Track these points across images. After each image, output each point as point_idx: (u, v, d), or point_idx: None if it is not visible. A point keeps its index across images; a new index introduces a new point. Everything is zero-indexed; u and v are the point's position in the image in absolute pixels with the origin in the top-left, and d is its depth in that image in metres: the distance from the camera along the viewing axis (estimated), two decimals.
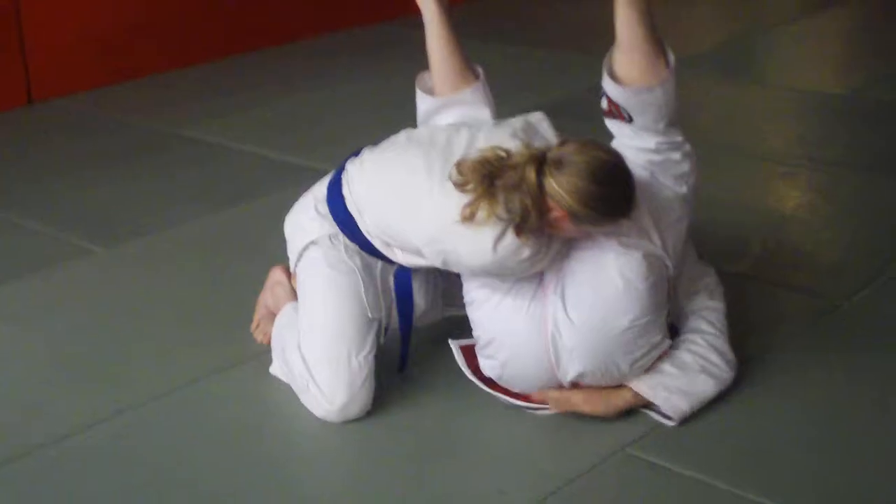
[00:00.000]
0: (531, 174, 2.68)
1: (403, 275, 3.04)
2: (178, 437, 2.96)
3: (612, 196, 2.72)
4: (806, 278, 3.73)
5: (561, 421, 2.95)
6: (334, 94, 5.84)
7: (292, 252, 3.11)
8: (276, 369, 3.15)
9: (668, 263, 2.90)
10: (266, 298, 3.32)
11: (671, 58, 2.89)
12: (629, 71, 2.87)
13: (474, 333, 3.01)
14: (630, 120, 2.90)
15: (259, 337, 3.32)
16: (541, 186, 2.68)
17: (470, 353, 3.06)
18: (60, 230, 4.24)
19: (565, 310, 2.85)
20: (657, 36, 2.87)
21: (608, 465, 2.80)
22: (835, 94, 5.73)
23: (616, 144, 2.95)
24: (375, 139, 3.13)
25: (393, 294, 3.05)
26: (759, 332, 3.33)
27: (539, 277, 2.89)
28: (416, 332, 3.15)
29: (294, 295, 3.16)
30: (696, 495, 2.69)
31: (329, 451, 2.95)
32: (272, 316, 3.25)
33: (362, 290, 2.99)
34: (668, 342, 2.95)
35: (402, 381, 3.13)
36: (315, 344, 2.98)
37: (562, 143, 2.75)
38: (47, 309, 3.67)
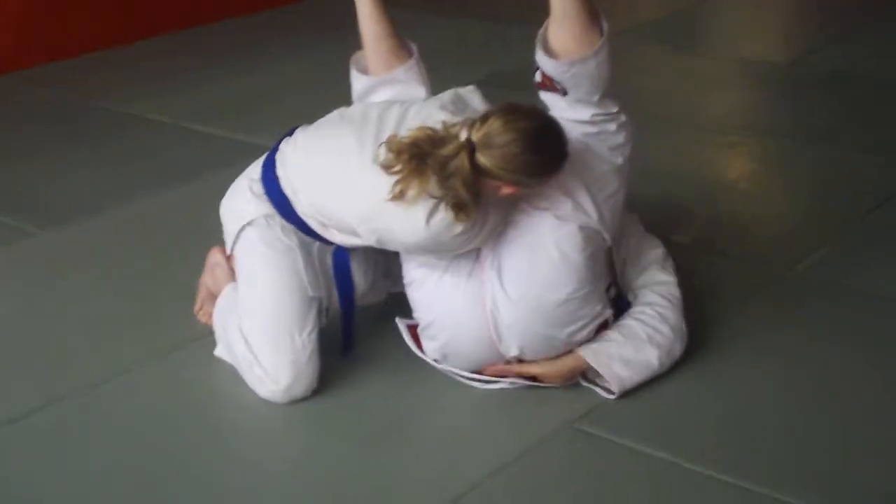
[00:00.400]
0: (465, 162, 2.67)
1: (341, 255, 3.01)
2: (121, 423, 2.92)
3: (550, 154, 2.75)
4: (751, 247, 3.75)
5: (510, 396, 2.95)
6: (282, 71, 5.77)
7: (228, 234, 3.08)
8: (220, 351, 3.12)
9: (606, 236, 2.90)
10: (206, 280, 3.29)
11: (605, 27, 2.88)
12: (564, 42, 2.85)
13: (415, 315, 3.00)
14: (564, 93, 2.89)
15: (203, 319, 3.29)
16: (477, 171, 2.68)
17: (417, 332, 3.05)
18: None
19: (502, 285, 2.85)
20: (591, 5, 2.85)
21: (557, 440, 2.79)
22: (776, 63, 5.75)
23: None
24: (315, 115, 3.10)
25: (332, 274, 3.03)
26: (705, 300, 3.34)
27: (476, 254, 2.88)
28: (360, 311, 3.13)
29: (233, 275, 3.14)
30: (646, 469, 2.69)
31: (276, 433, 2.93)
32: (214, 297, 3.22)
33: (301, 267, 2.97)
34: (608, 312, 2.96)
35: (348, 361, 3.10)
36: (256, 324, 2.95)
37: (483, 120, 2.71)
38: None
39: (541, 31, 2.89)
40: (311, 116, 3.13)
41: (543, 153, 2.73)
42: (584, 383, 2.96)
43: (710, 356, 3.09)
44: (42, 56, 5.89)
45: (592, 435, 2.81)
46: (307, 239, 3.00)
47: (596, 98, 2.90)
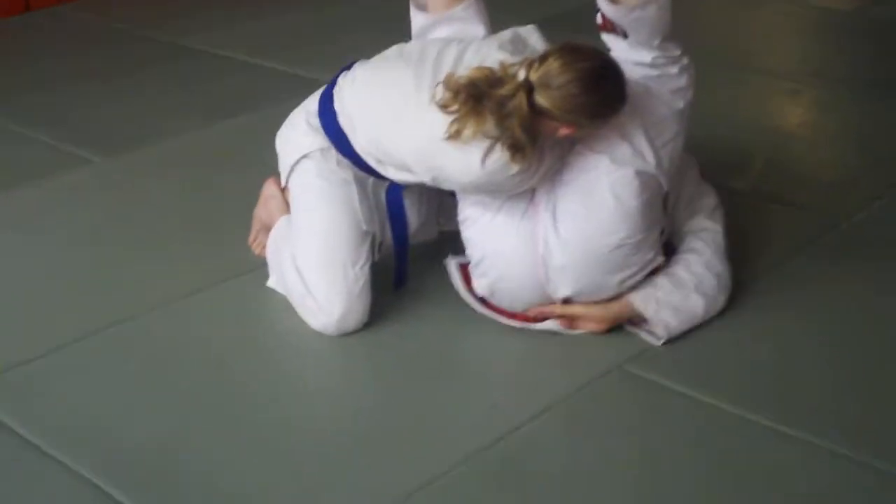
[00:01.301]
0: (523, 103, 2.67)
1: (395, 191, 3.02)
2: (175, 350, 2.97)
3: (609, 95, 2.74)
4: (808, 196, 3.71)
5: (556, 339, 2.95)
6: (338, 8, 5.76)
7: (284, 166, 3.09)
8: (273, 282, 3.15)
9: (662, 181, 2.89)
10: (260, 212, 3.31)
11: None
12: None
13: (467, 252, 3.01)
14: (625, 36, 2.86)
15: (257, 250, 3.31)
16: (535, 111, 2.67)
17: (467, 273, 3.06)
18: (59, 140, 4.21)
19: (556, 227, 2.85)
20: None
21: (604, 381, 2.80)
22: (840, 10, 5.66)
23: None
24: (376, 52, 3.10)
25: (385, 210, 3.04)
26: (759, 247, 3.32)
27: (530, 195, 2.88)
28: (413, 248, 3.15)
29: (287, 208, 3.16)
30: (693, 413, 2.70)
31: (325, 365, 2.96)
32: (268, 229, 3.24)
33: (356, 201, 2.98)
34: (660, 259, 2.95)
35: (398, 298, 3.12)
36: (310, 256, 2.97)
37: (542, 60, 2.70)
38: (44, 218, 3.66)
39: None
40: (366, 53, 3.12)
41: (602, 94, 2.71)
42: (630, 328, 2.96)
43: (760, 303, 3.07)
44: None
45: (641, 377, 2.81)
46: (362, 174, 3.01)
47: (656, 42, 2.87)
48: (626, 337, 2.94)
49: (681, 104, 2.93)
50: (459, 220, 3.00)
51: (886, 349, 2.93)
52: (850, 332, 3.00)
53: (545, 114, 2.68)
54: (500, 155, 2.72)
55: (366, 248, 2.99)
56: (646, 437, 2.65)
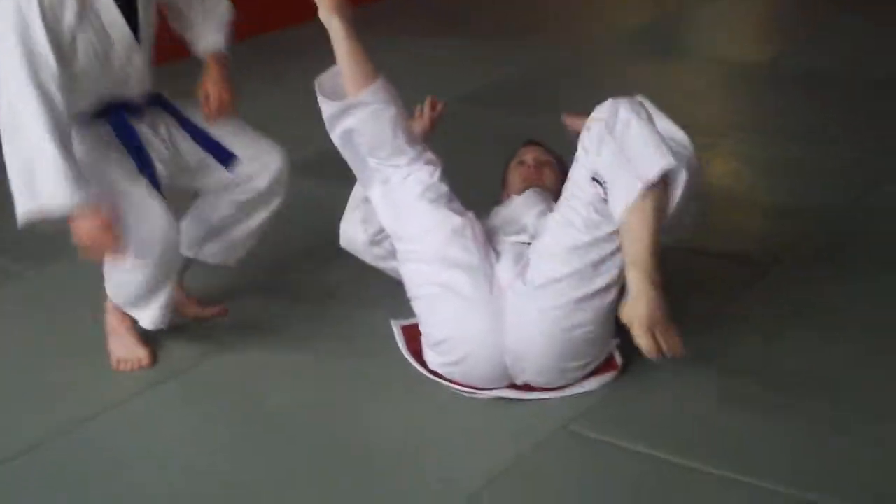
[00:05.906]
0: None
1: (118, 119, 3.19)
2: (120, 454, 2.92)
3: None
4: (735, 245, 3.77)
5: (500, 403, 2.96)
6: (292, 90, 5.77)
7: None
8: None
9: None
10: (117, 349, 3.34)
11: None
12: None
13: (422, 329, 3.04)
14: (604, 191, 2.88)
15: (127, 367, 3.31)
16: None
17: (411, 335, 3.09)
18: None
19: (527, 308, 2.88)
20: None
21: (551, 443, 2.81)
22: (756, 64, 5.80)
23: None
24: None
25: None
26: (692, 300, 3.35)
27: (493, 279, 2.92)
28: (350, 319, 3.20)
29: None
30: (641, 468, 2.71)
31: (265, 451, 2.89)
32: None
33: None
34: (615, 342, 3.02)
35: (335, 369, 3.15)
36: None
37: None
38: None
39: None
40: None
41: None
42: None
43: (700, 355, 3.09)
44: None
45: (586, 437, 2.82)
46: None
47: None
48: (567, 397, 2.96)
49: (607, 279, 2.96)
50: (410, 297, 3.05)
51: (828, 391, 2.96)
52: (790, 377, 3.03)
53: None
54: None
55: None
56: (597, 495, 2.65)
